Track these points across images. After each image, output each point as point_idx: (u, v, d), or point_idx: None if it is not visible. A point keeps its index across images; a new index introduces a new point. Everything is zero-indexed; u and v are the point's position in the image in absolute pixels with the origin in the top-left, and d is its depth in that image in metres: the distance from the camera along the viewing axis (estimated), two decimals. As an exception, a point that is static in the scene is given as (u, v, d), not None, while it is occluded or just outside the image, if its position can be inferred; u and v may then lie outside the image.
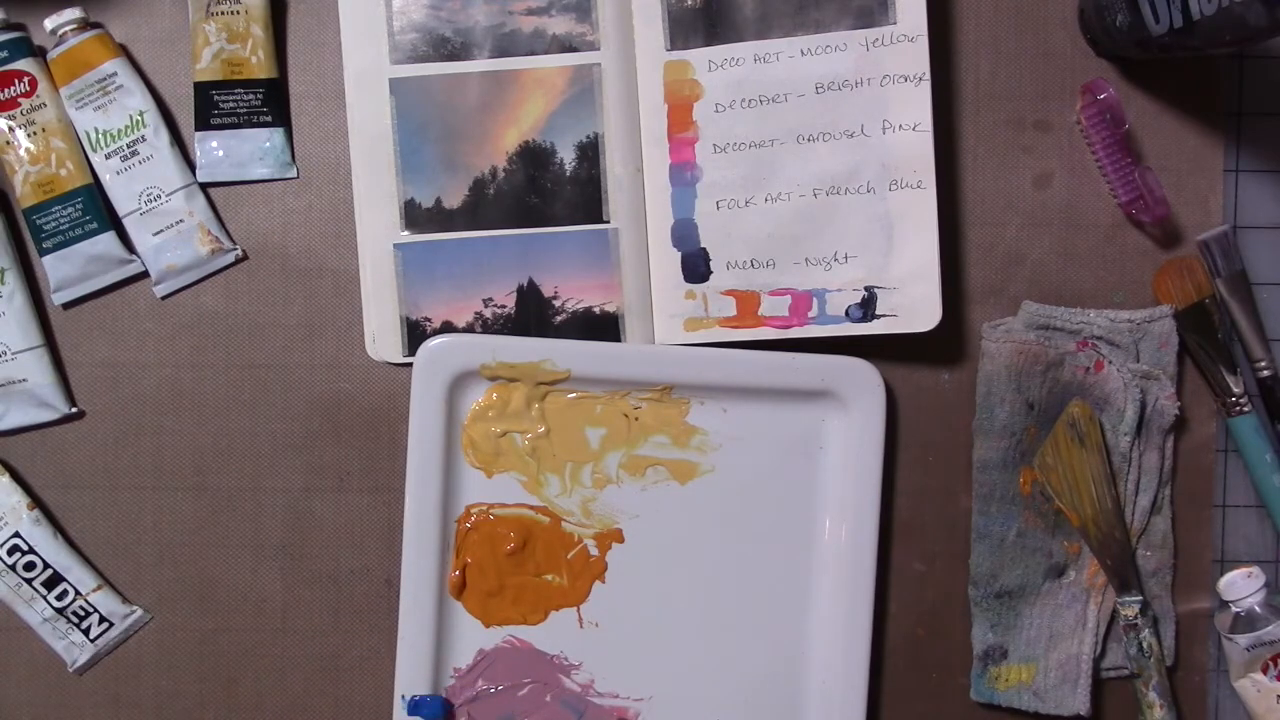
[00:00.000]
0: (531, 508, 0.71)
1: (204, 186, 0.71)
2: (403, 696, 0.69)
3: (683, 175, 0.69)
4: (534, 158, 0.70)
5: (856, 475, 0.70)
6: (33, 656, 0.72)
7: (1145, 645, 0.70)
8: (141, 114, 0.69)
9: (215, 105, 0.70)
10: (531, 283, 0.70)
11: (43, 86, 0.69)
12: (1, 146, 0.69)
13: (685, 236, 0.69)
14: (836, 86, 0.68)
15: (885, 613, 0.73)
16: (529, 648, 0.71)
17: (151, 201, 0.70)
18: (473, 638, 0.71)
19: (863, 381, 0.69)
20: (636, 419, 0.70)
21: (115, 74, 0.69)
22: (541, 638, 0.71)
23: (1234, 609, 0.70)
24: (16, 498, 0.71)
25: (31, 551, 0.70)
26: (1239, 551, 0.73)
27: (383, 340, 0.71)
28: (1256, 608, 0.69)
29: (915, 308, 0.68)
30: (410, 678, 0.69)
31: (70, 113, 0.69)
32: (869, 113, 0.68)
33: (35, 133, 0.69)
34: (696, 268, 0.69)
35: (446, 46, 0.69)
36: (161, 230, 0.70)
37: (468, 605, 0.71)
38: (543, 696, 0.71)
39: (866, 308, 0.69)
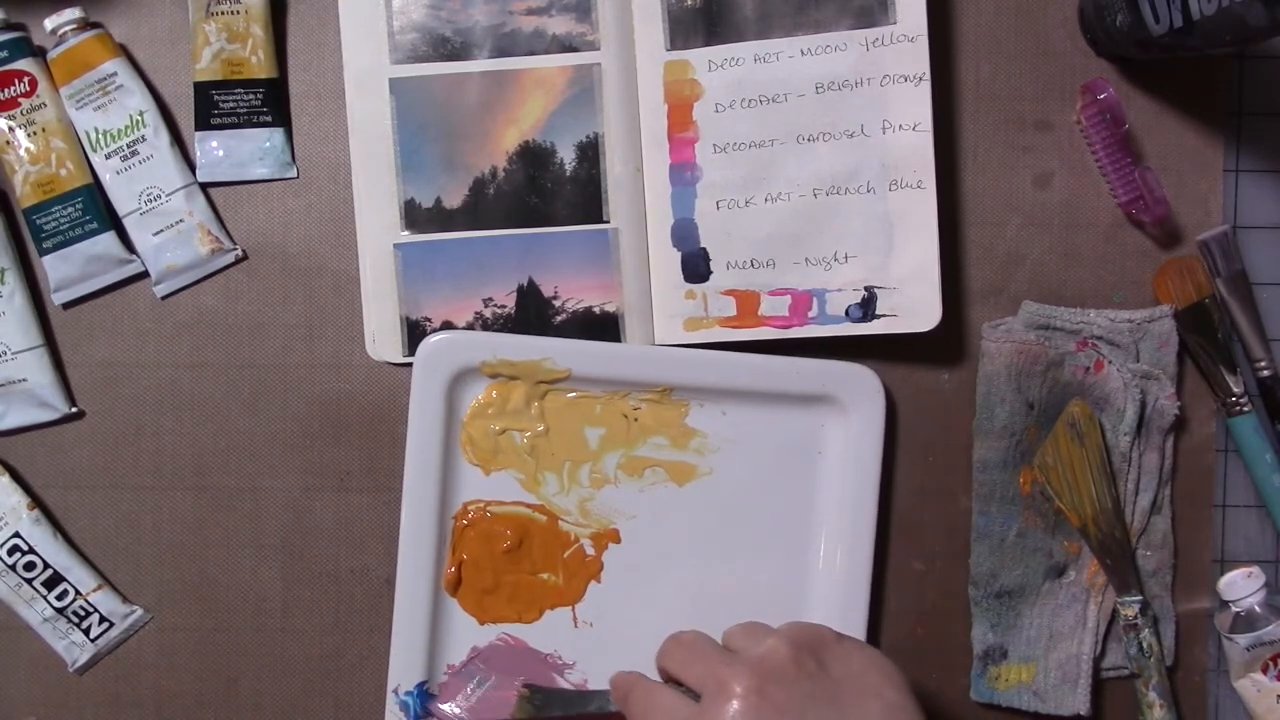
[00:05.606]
0: (529, 506, 0.71)
1: (204, 186, 0.71)
2: (394, 691, 0.69)
3: (683, 175, 0.69)
4: (534, 158, 0.70)
5: (855, 480, 0.70)
6: (33, 656, 0.72)
7: (1145, 645, 0.70)
8: (141, 114, 0.69)
9: (215, 105, 0.70)
10: (531, 282, 0.70)
11: (43, 86, 0.69)
12: (1, 146, 0.69)
13: (685, 236, 0.69)
14: (836, 86, 0.68)
15: (885, 613, 0.73)
16: (523, 646, 0.71)
17: (151, 201, 0.70)
18: (467, 635, 0.71)
19: (863, 387, 0.69)
20: (636, 420, 0.70)
21: (115, 74, 0.69)
22: (536, 636, 0.71)
23: (1234, 609, 0.70)
24: (16, 498, 0.71)
25: (31, 551, 0.70)
26: (1239, 551, 0.73)
27: (383, 340, 0.71)
28: (1256, 608, 0.69)
29: (915, 308, 0.68)
30: (403, 673, 0.69)
31: (70, 113, 0.69)
32: (869, 113, 0.68)
33: (35, 133, 0.69)
34: (696, 268, 0.69)
35: (446, 46, 0.69)
36: (161, 230, 0.70)
37: (463, 602, 0.70)
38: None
39: (866, 308, 0.69)
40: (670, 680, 0.60)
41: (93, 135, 0.69)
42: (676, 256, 0.70)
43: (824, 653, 0.57)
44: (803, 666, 0.55)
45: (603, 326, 0.70)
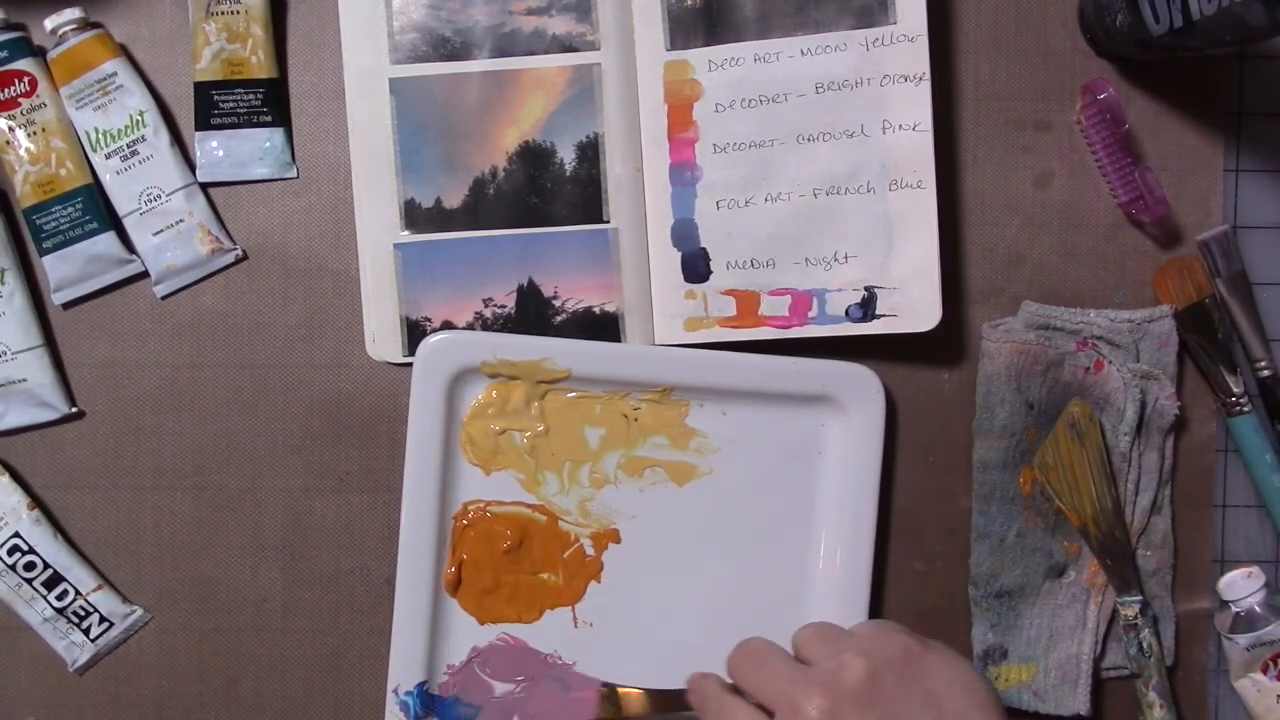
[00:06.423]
0: (529, 506, 0.71)
1: (204, 186, 0.71)
2: (394, 691, 0.69)
3: (683, 175, 0.69)
4: (534, 158, 0.70)
5: (855, 481, 0.70)
6: (33, 656, 0.72)
7: (1145, 645, 0.70)
8: (141, 114, 0.69)
9: (215, 105, 0.70)
10: (531, 283, 0.70)
11: (43, 86, 0.69)
12: (1, 146, 0.69)
13: (685, 236, 0.69)
14: (836, 86, 0.68)
15: (885, 613, 0.73)
16: (523, 645, 0.71)
17: (151, 201, 0.70)
18: (467, 635, 0.71)
19: (863, 387, 0.69)
20: (636, 420, 0.70)
21: (115, 74, 0.69)
22: (536, 636, 0.71)
23: (1234, 609, 0.70)
24: (16, 498, 0.71)
25: (31, 551, 0.70)
26: (1239, 551, 0.73)
27: (383, 340, 0.71)
28: (1256, 608, 0.69)
29: (915, 308, 0.68)
30: (403, 673, 0.69)
31: (70, 113, 0.69)
32: (869, 113, 0.68)
33: (35, 133, 0.69)
34: (696, 268, 0.69)
35: (446, 46, 0.69)
36: (161, 230, 0.70)
37: (463, 602, 0.70)
38: (534, 692, 0.71)
39: (866, 308, 0.69)
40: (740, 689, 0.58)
41: (93, 135, 0.69)
42: (676, 256, 0.70)
43: (905, 668, 0.54)
44: (880, 686, 0.53)
45: (603, 326, 0.70)
